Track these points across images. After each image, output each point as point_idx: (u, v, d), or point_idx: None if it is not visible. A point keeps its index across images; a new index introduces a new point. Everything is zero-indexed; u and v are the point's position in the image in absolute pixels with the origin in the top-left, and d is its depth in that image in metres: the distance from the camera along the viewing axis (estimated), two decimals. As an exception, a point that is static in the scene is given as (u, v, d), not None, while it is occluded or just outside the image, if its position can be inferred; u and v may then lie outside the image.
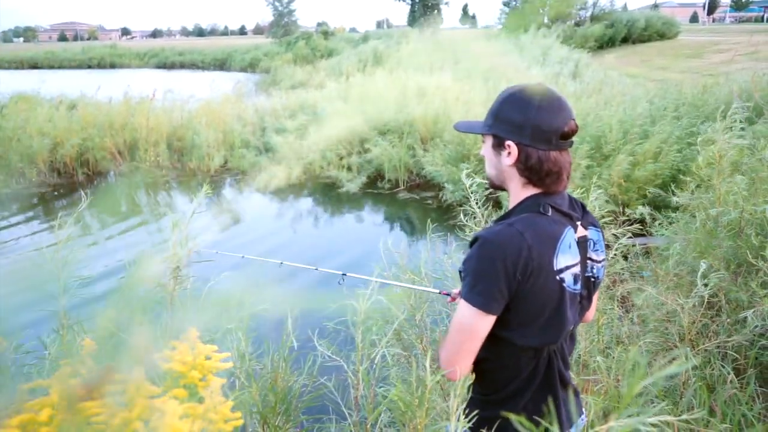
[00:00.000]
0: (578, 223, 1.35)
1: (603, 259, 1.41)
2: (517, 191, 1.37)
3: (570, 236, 1.30)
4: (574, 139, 1.35)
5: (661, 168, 6.40)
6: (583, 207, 1.41)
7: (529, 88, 1.32)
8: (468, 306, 1.25)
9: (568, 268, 1.29)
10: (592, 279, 1.38)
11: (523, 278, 1.22)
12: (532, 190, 1.34)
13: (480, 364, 1.36)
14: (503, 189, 1.42)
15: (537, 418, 1.19)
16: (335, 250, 6.95)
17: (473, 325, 1.26)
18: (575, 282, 1.31)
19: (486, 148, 1.42)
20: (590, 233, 1.38)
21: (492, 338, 1.31)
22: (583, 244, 1.34)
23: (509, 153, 1.33)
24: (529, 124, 1.29)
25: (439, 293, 2.05)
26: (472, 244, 1.30)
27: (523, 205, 1.34)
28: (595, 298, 1.50)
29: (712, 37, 27.67)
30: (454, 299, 1.81)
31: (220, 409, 0.68)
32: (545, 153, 1.29)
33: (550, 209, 1.30)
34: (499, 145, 1.36)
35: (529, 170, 1.32)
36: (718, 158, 3.02)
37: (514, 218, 1.30)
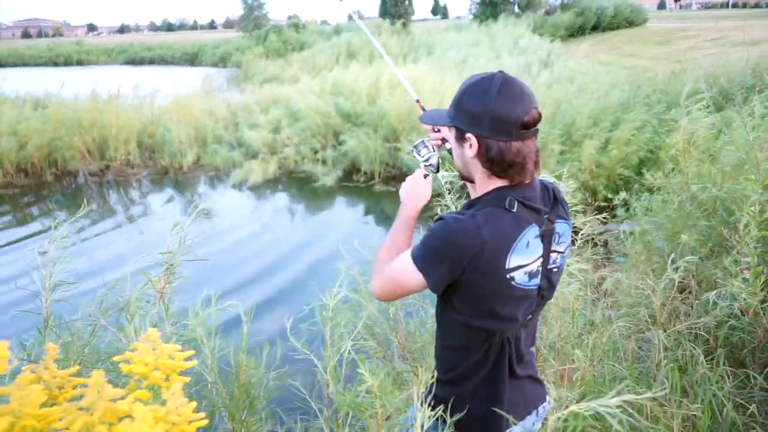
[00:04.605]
0: (546, 217, 1.31)
1: (566, 247, 1.40)
2: (483, 183, 1.34)
3: (530, 234, 1.27)
4: (539, 127, 1.31)
5: (630, 153, 6.50)
6: (555, 198, 1.38)
7: (488, 78, 1.28)
8: (413, 266, 1.29)
9: (520, 267, 1.27)
10: (555, 269, 1.37)
11: (469, 268, 1.23)
12: (497, 182, 1.31)
13: (438, 343, 1.43)
14: (472, 180, 1.39)
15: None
16: (310, 243, 6.92)
17: (409, 281, 1.32)
18: (530, 279, 1.30)
19: (450, 139, 1.40)
20: (557, 226, 1.35)
21: (447, 318, 1.36)
22: (548, 238, 1.32)
23: (470, 145, 1.30)
24: (487, 115, 1.26)
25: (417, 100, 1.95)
26: (437, 220, 1.30)
27: (489, 197, 1.31)
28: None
29: (680, 23, 28.12)
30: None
31: (183, 411, 0.66)
32: (506, 144, 1.26)
33: (516, 204, 1.27)
34: (461, 137, 1.33)
35: (490, 162, 1.29)
36: (685, 143, 3.07)
37: (478, 210, 1.28)
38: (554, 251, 1.35)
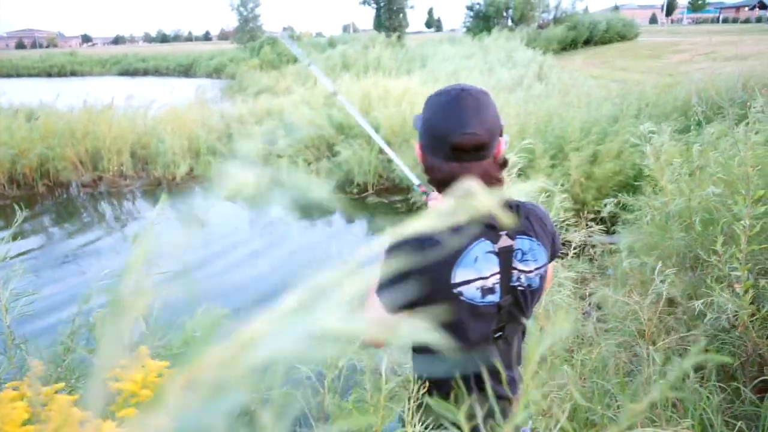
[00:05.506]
0: (502, 233, 1.26)
1: (537, 268, 1.32)
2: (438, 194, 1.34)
3: (479, 249, 1.23)
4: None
5: (621, 166, 6.52)
6: (523, 216, 1.32)
7: (446, 91, 1.25)
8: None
9: (469, 282, 1.23)
10: (521, 288, 1.30)
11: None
12: None
13: (411, 353, 1.40)
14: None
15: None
16: (302, 255, 6.90)
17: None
18: (483, 295, 1.25)
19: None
20: (518, 243, 1.28)
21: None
22: (505, 254, 1.26)
23: (419, 154, 1.31)
24: (428, 130, 1.26)
25: (417, 186, 2.05)
26: None
27: None
28: (549, 274, 1.45)
29: (671, 38, 28.45)
30: (427, 201, 1.79)
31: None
32: (439, 162, 1.24)
33: None
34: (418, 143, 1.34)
35: (427, 174, 1.29)
36: (659, 159, 3.09)
37: None
38: (516, 269, 1.29)
